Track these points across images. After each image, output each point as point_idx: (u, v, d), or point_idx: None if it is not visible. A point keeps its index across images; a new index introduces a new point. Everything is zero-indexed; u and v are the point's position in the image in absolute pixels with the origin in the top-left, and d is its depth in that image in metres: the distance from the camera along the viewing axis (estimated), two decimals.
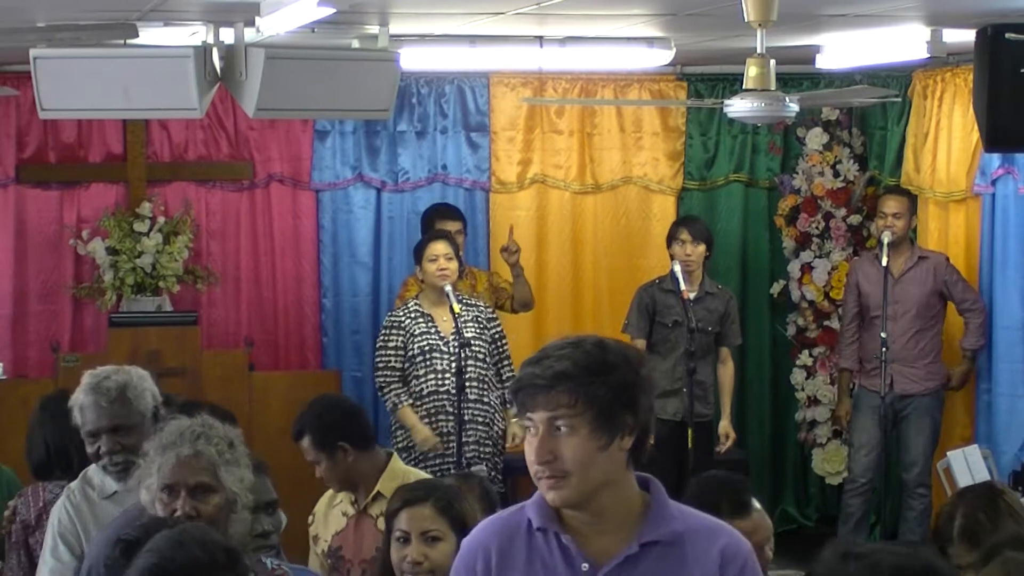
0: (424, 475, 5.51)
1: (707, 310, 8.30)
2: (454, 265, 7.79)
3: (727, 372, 8.48)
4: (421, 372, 7.75)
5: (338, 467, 5.26)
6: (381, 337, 7.94)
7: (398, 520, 4.07)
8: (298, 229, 9.06)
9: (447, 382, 7.66)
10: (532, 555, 3.03)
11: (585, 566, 3.00)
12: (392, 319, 7.90)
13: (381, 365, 7.85)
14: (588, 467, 2.95)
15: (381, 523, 5.13)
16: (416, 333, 7.78)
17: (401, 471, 5.32)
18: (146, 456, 3.83)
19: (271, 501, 4.30)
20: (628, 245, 9.45)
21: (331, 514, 5.36)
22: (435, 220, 8.48)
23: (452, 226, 8.34)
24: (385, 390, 7.81)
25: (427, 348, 7.75)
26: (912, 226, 8.65)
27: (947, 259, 8.49)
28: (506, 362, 7.97)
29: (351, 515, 5.31)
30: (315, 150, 9.05)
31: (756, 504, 4.27)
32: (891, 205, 8.46)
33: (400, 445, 7.83)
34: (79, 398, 4.61)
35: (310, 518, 5.46)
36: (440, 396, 7.68)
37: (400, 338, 7.80)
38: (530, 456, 2.98)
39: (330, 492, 5.44)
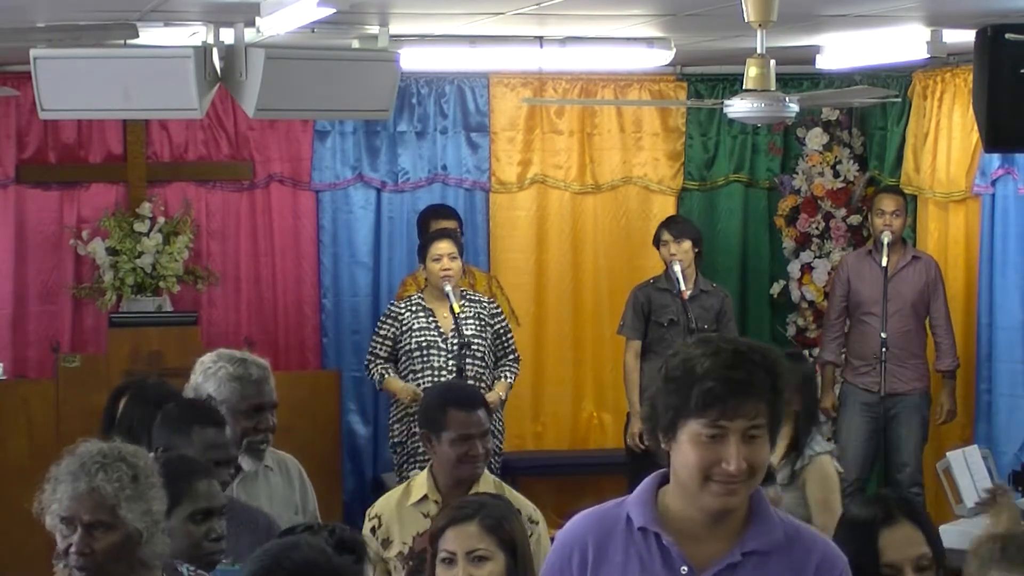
0: (512, 491, 5.19)
1: (703, 308, 8.29)
2: (458, 264, 7.81)
3: None
4: (418, 367, 7.76)
5: None
6: (376, 325, 8.05)
7: (444, 540, 3.82)
8: (298, 229, 9.07)
9: (442, 379, 7.67)
10: (629, 553, 3.01)
11: (684, 569, 2.97)
12: (391, 309, 7.96)
13: (369, 350, 7.97)
14: (762, 472, 2.98)
15: None
16: (415, 328, 7.79)
17: (491, 478, 5.11)
18: (51, 480, 3.66)
19: (220, 507, 4.10)
20: (628, 245, 9.45)
21: (406, 514, 5.00)
22: (431, 220, 8.49)
23: (447, 225, 8.35)
24: (369, 367, 7.89)
25: (425, 344, 7.76)
26: (906, 225, 8.65)
27: (937, 265, 8.47)
28: (511, 356, 7.96)
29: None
30: (315, 150, 9.05)
31: None
32: (889, 203, 8.45)
33: (395, 440, 7.85)
34: (241, 371, 4.78)
35: (372, 521, 5.04)
36: None
37: (392, 328, 7.84)
38: (708, 462, 2.92)
39: (398, 493, 5.10)
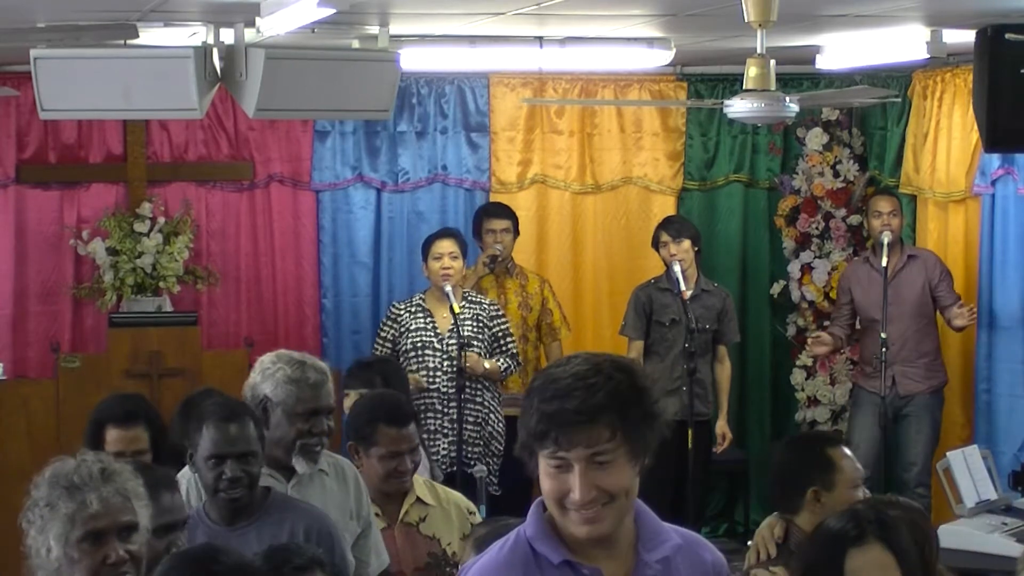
0: (446, 490, 5.26)
1: (704, 307, 8.30)
2: (459, 264, 7.83)
3: (724, 371, 8.49)
4: (414, 367, 7.79)
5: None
6: (379, 327, 8.11)
7: None
8: (298, 229, 9.07)
9: (438, 379, 7.72)
10: None
11: None
12: (391, 311, 8.02)
13: (372, 353, 7.96)
14: (627, 496, 2.87)
15: (424, 528, 5.00)
16: (412, 328, 7.82)
17: (421, 479, 5.15)
18: (35, 505, 3.38)
19: (184, 520, 4.02)
20: (628, 245, 9.45)
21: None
22: (484, 219, 8.53)
23: (500, 224, 8.40)
24: None
25: (420, 344, 7.78)
26: (903, 225, 8.67)
27: (937, 258, 8.48)
28: (510, 355, 7.96)
29: (383, 527, 4.98)
30: (315, 150, 9.05)
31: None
32: (885, 204, 8.47)
33: None
34: (299, 374, 4.74)
35: None
36: (430, 393, 7.71)
37: (392, 330, 7.91)
38: (558, 493, 2.84)
39: None
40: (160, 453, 5.13)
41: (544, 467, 2.85)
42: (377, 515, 5.01)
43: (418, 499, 5.06)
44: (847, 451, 4.48)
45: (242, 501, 4.39)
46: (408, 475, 5.02)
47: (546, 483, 2.86)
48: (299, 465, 4.77)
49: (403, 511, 5.04)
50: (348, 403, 5.80)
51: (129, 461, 4.12)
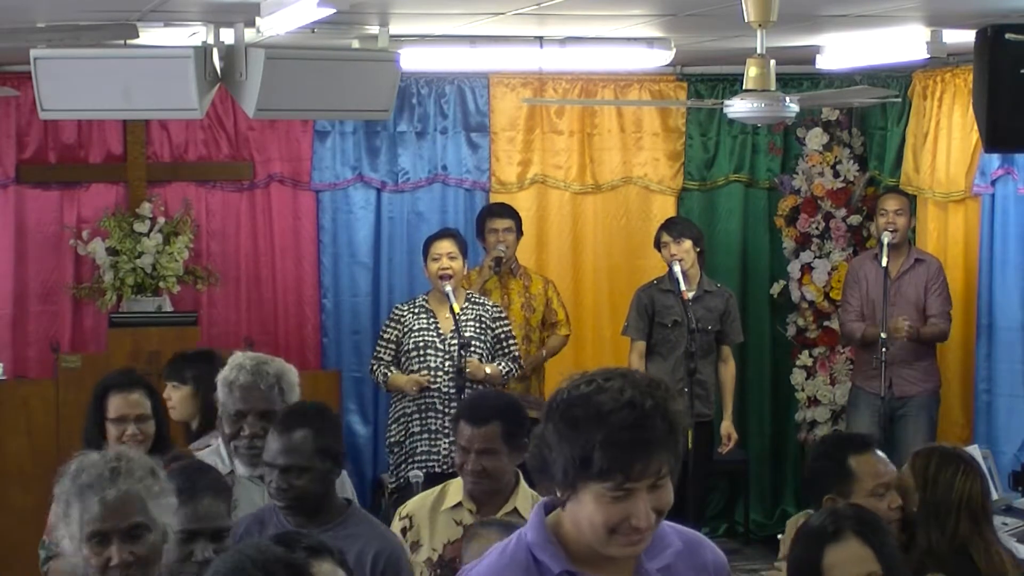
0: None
1: (706, 308, 8.30)
2: (458, 264, 7.83)
3: (728, 371, 8.48)
4: (415, 367, 7.78)
5: (508, 467, 4.82)
6: (382, 328, 8.09)
7: None
8: (298, 229, 9.07)
9: (439, 379, 7.71)
10: None
11: None
12: (394, 312, 8.01)
13: (374, 355, 7.99)
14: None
15: None
16: (414, 328, 7.81)
17: (530, 491, 4.93)
18: (58, 500, 3.44)
19: (226, 528, 3.94)
20: (628, 245, 9.45)
21: (439, 520, 4.85)
22: (486, 219, 8.56)
23: (502, 224, 8.42)
24: (373, 368, 7.93)
25: (422, 344, 7.77)
26: (911, 226, 8.66)
27: (940, 266, 8.46)
28: (510, 356, 7.94)
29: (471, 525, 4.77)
30: (315, 150, 9.06)
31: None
32: (892, 203, 8.46)
33: (392, 439, 7.86)
34: (233, 376, 4.84)
35: (403, 521, 4.92)
36: (431, 393, 7.71)
37: (396, 332, 7.89)
38: (616, 521, 2.76)
39: (433, 495, 4.96)
40: (162, 427, 5.19)
41: (597, 497, 2.77)
42: (470, 511, 4.88)
43: (515, 510, 4.85)
44: (875, 457, 4.32)
45: (293, 511, 4.39)
46: (478, 477, 4.82)
47: (599, 513, 2.77)
48: (237, 467, 4.82)
49: (497, 516, 4.84)
50: (172, 395, 5.74)
51: (190, 461, 4.22)
